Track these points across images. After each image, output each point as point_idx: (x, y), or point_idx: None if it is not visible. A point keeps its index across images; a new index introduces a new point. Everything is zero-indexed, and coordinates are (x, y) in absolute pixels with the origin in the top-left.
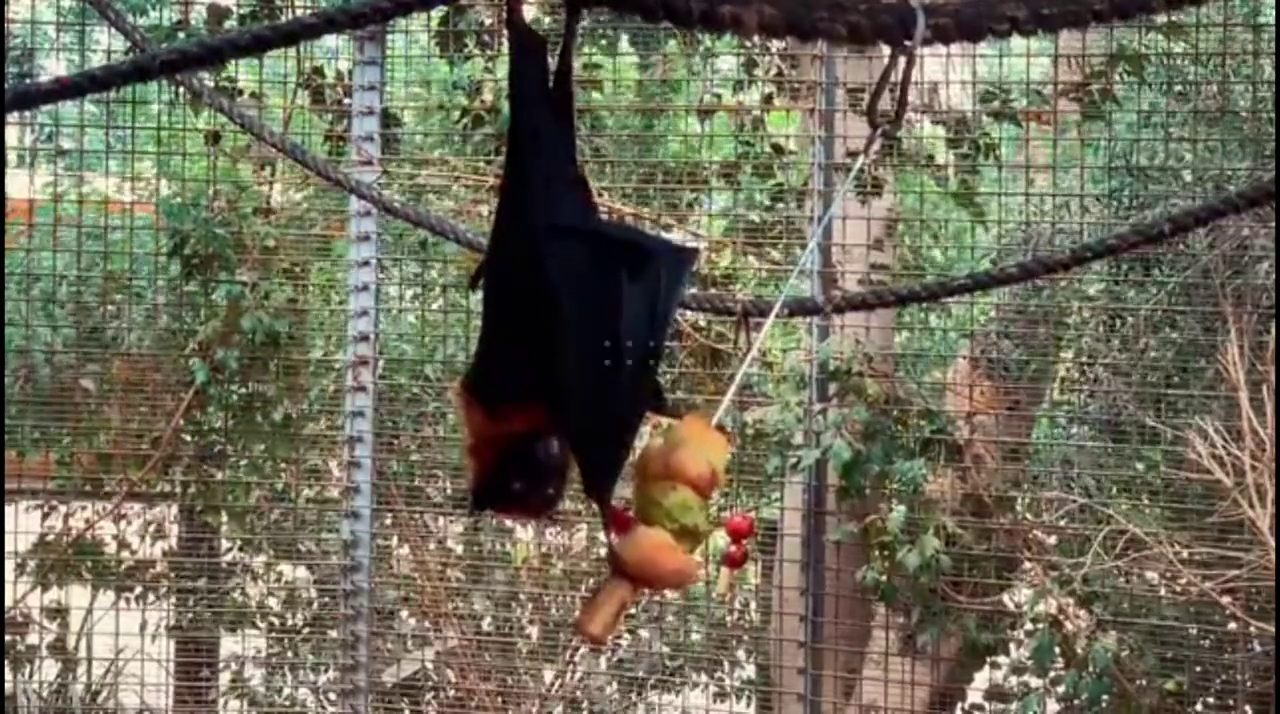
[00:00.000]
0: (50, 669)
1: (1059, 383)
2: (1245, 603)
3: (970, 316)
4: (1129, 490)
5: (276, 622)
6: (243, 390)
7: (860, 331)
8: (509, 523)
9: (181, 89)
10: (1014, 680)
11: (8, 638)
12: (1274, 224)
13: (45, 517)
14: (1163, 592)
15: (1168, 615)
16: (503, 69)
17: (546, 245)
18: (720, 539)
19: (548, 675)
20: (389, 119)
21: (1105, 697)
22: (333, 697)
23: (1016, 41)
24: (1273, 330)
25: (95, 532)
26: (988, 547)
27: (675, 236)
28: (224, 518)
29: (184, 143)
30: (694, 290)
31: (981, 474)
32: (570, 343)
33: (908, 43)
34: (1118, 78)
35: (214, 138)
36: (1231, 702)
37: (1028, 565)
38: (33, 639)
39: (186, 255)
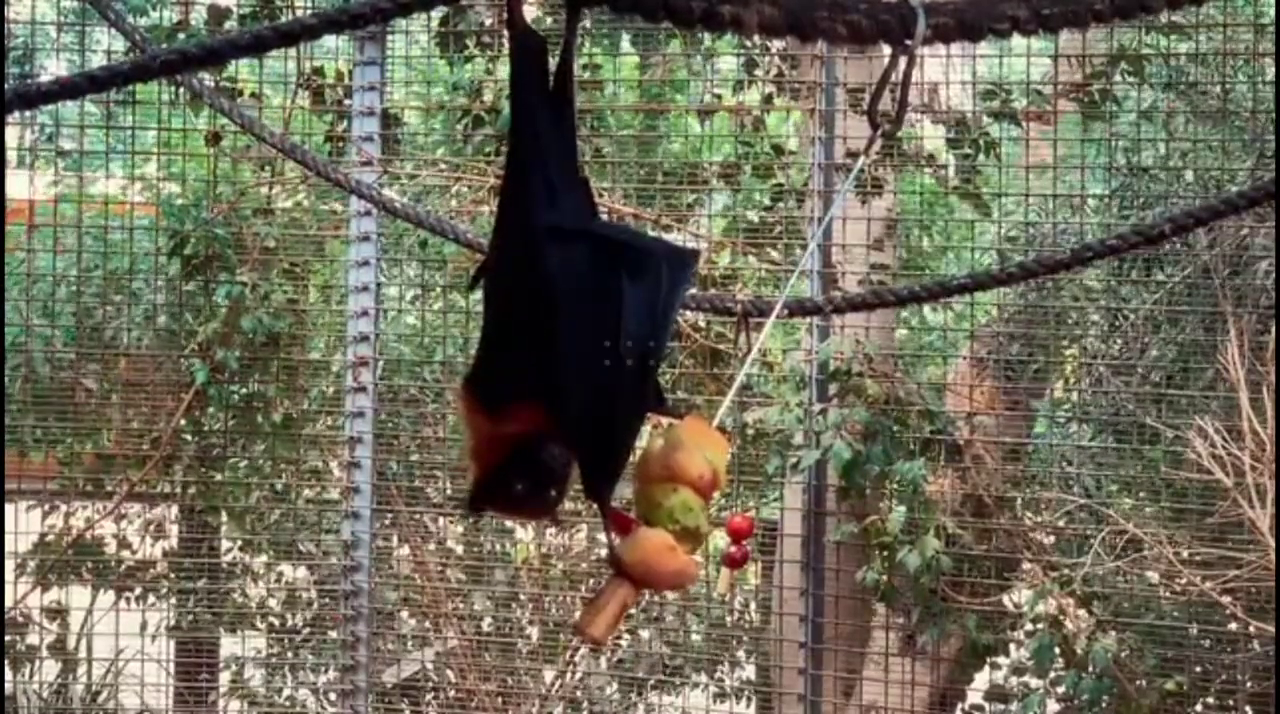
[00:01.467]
0: (50, 669)
1: (1061, 383)
2: (1245, 603)
3: (970, 316)
4: (1129, 490)
5: (276, 622)
6: (243, 391)
7: (860, 332)
8: (509, 523)
9: (181, 89)
10: (1014, 681)
11: (8, 638)
12: (1273, 224)
13: (45, 516)
14: (1165, 593)
15: (1167, 615)
16: (503, 69)
17: (547, 246)
18: (720, 539)
19: (548, 676)
20: (389, 119)
21: (1105, 697)
22: (333, 697)
23: (1017, 41)
24: (1273, 330)
25: (95, 532)
26: (988, 547)
27: (675, 237)
28: (224, 518)
29: (185, 143)
30: (694, 291)
31: (981, 474)
32: (571, 344)
33: (908, 42)
34: (1118, 77)
35: (214, 138)
36: (1231, 702)
37: (1027, 566)
38: (33, 639)
39: (187, 255)
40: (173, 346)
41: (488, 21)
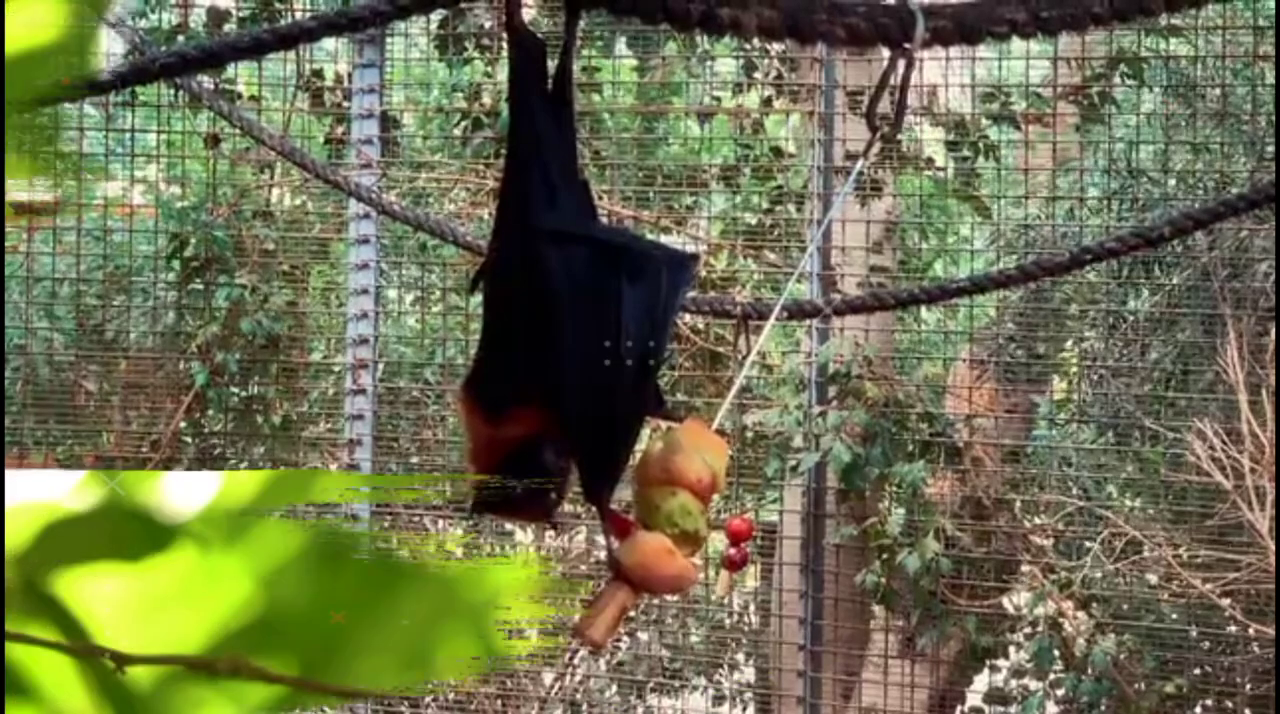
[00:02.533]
0: None
1: (1065, 385)
2: (1245, 605)
3: (970, 317)
4: (1128, 492)
5: None
6: (243, 393)
7: (860, 334)
8: (508, 525)
9: (181, 92)
10: (1014, 683)
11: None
12: (1273, 226)
13: None
14: (1164, 596)
15: (1167, 618)
16: (502, 72)
17: (547, 248)
18: (719, 542)
19: (547, 678)
20: (388, 122)
21: (1105, 699)
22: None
23: (1016, 44)
24: (1272, 333)
25: None
26: (987, 549)
27: (674, 240)
28: None
29: (185, 146)
30: (693, 293)
31: (981, 476)
32: (570, 346)
33: (907, 45)
34: (1118, 80)
35: (214, 140)
36: (1231, 704)
37: (1027, 568)
38: None
39: (187, 258)
40: (173, 348)
41: (486, 24)
